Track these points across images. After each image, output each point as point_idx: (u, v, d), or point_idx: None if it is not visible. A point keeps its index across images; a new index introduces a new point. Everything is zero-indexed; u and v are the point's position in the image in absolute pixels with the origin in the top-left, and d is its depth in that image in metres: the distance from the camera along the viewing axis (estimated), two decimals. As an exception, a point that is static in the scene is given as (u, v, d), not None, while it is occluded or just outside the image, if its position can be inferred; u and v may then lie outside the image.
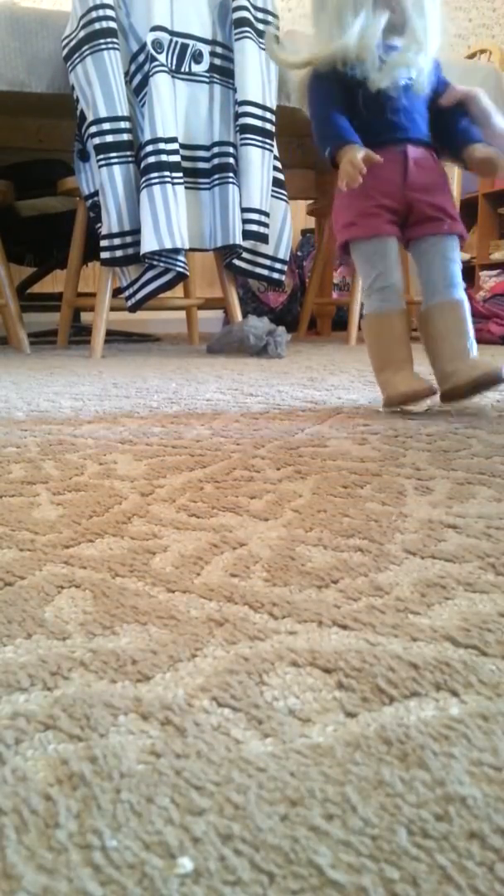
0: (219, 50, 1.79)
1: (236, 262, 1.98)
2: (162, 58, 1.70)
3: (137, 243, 1.77)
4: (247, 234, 1.88)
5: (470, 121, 0.93)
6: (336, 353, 2.01)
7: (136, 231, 1.77)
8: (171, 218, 1.73)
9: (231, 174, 1.83)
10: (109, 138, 1.73)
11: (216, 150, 1.82)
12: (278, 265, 2.01)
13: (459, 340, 0.89)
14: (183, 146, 1.78)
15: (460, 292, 0.90)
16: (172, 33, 1.71)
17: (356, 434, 0.80)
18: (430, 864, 0.20)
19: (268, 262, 2.00)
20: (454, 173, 3.00)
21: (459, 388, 0.88)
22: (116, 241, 1.79)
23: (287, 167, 1.96)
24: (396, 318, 0.90)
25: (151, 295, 1.87)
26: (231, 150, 1.83)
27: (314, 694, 0.28)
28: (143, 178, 1.72)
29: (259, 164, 1.86)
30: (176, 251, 1.77)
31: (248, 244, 1.90)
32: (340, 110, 0.89)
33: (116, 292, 1.98)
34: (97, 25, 1.67)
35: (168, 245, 1.73)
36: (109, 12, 1.67)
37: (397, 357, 0.90)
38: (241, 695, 0.28)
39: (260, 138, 1.84)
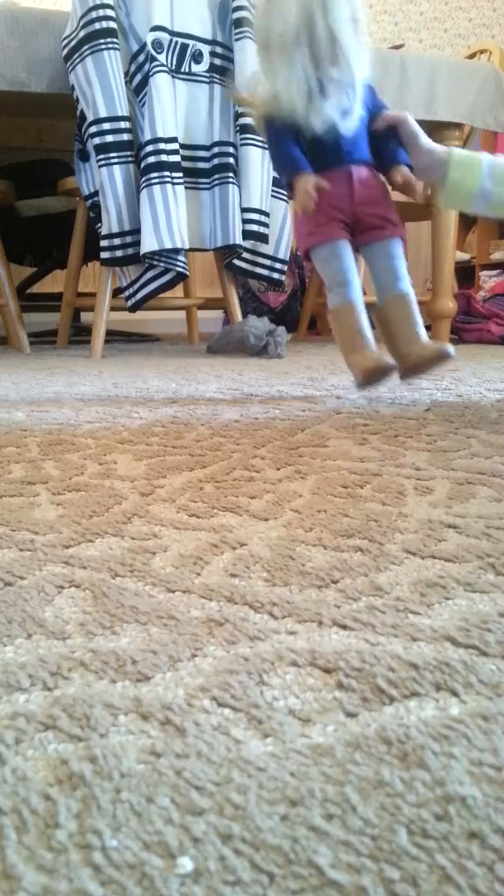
0: (219, 50, 1.79)
1: (236, 262, 1.98)
2: (162, 58, 1.70)
3: (137, 243, 1.77)
4: (247, 234, 1.88)
5: (399, 143, 1.05)
6: (336, 353, 2.01)
7: (136, 231, 1.77)
8: (171, 218, 1.73)
9: (231, 174, 1.83)
10: (109, 138, 1.73)
11: (216, 150, 1.82)
12: (278, 265, 2.01)
13: (411, 327, 1.02)
14: (183, 146, 1.77)
15: (407, 285, 1.04)
16: (172, 33, 1.71)
17: (356, 434, 0.80)
18: (430, 863, 0.20)
19: (268, 262, 2.00)
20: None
21: (415, 366, 1.02)
22: (116, 241, 1.79)
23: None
24: (355, 308, 1.02)
25: (151, 295, 1.87)
26: (231, 150, 1.83)
27: (314, 694, 0.28)
28: (143, 178, 1.72)
29: (259, 164, 1.86)
30: (176, 251, 1.77)
31: (248, 244, 1.90)
32: (292, 141, 1.02)
33: (116, 292, 1.98)
34: (97, 25, 1.66)
35: (168, 245, 1.73)
36: (109, 12, 1.67)
37: (359, 342, 1.02)
38: (241, 695, 0.28)
39: (260, 138, 1.84)
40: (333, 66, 0.98)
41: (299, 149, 1.02)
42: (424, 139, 1.04)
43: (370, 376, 1.01)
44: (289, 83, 0.98)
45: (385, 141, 1.05)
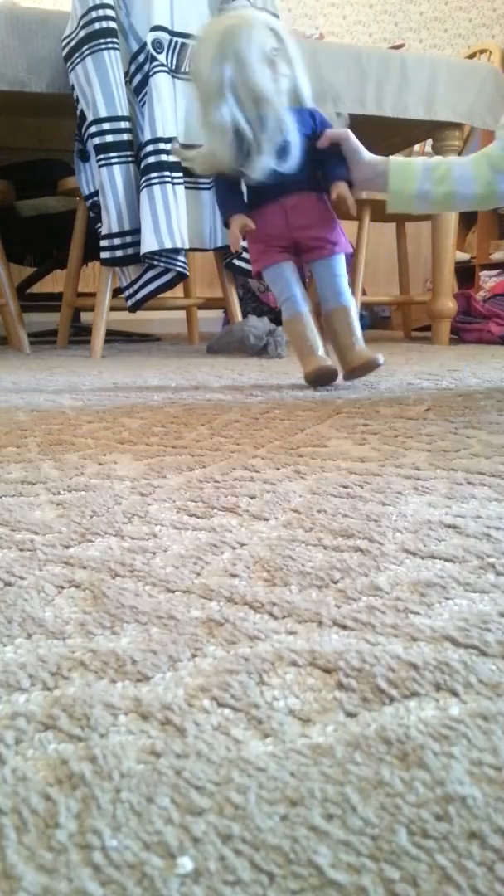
0: (219, 50, 1.79)
1: (236, 261, 1.98)
2: (162, 58, 1.70)
3: (137, 243, 1.77)
4: (247, 234, 1.88)
5: (340, 159, 1.14)
6: (334, 353, 2.01)
7: (136, 231, 1.77)
8: (171, 218, 1.73)
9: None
10: (109, 138, 1.73)
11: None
12: (278, 265, 2.00)
13: (348, 336, 1.19)
14: (183, 146, 1.77)
15: (345, 299, 1.19)
16: (172, 33, 1.71)
17: (356, 434, 0.80)
18: (430, 863, 0.20)
19: (268, 262, 2.00)
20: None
21: (351, 371, 1.19)
22: (116, 241, 1.79)
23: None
24: (301, 319, 1.20)
25: (151, 295, 1.87)
26: (231, 150, 1.83)
27: (314, 694, 0.28)
28: (143, 178, 1.72)
29: (259, 164, 1.86)
30: (176, 251, 1.77)
31: (248, 244, 1.90)
32: (231, 186, 1.18)
33: (116, 292, 1.98)
34: (97, 25, 1.67)
35: (168, 245, 1.73)
36: (109, 12, 1.67)
37: (306, 349, 1.19)
38: (241, 695, 0.28)
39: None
40: (260, 114, 1.06)
41: (238, 188, 1.18)
42: (365, 153, 1.14)
43: (314, 379, 1.17)
44: (222, 144, 1.08)
45: (326, 158, 1.15)
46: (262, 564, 0.41)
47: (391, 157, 1.13)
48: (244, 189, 1.20)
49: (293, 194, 1.15)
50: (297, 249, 1.19)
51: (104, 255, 1.81)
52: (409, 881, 0.19)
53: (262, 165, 1.09)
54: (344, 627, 0.33)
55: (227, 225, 1.19)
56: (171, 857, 0.20)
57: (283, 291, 1.20)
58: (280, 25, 1.11)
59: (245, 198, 1.19)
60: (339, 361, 1.21)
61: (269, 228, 1.17)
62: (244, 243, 1.37)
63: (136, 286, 1.88)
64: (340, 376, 1.21)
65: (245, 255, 1.96)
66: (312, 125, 1.15)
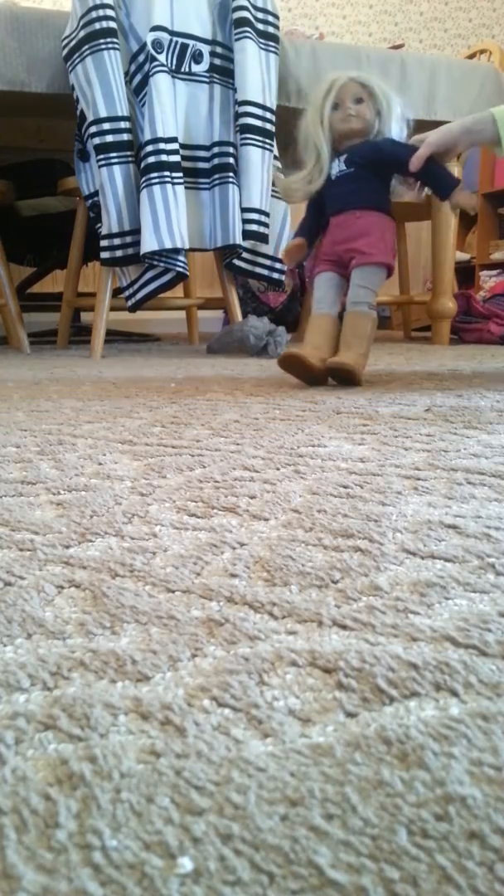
0: (219, 50, 1.79)
1: (236, 262, 1.98)
2: (162, 58, 1.70)
3: (137, 243, 1.77)
4: (247, 234, 1.88)
5: (441, 171, 1.25)
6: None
7: (136, 231, 1.77)
8: (171, 218, 1.73)
9: (231, 174, 1.83)
10: (109, 138, 1.73)
11: (216, 150, 1.82)
12: (278, 265, 2.01)
13: (345, 338, 1.26)
14: (183, 146, 1.77)
15: (363, 308, 1.27)
16: (172, 33, 1.71)
17: (356, 434, 0.80)
18: (429, 864, 0.20)
19: (268, 262, 2.00)
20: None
21: (329, 364, 1.22)
22: (116, 241, 1.79)
23: (287, 167, 1.96)
24: (317, 316, 1.31)
25: (151, 295, 1.87)
26: (231, 150, 1.83)
27: (314, 694, 0.28)
28: (143, 178, 1.72)
29: (259, 164, 1.86)
30: (176, 251, 1.77)
31: (248, 244, 1.90)
32: (314, 211, 1.36)
33: (116, 292, 1.98)
34: (97, 25, 1.66)
35: (168, 245, 1.73)
36: (109, 12, 1.67)
37: (306, 338, 1.30)
38: (241, 695, 0.28)
39: (260, 138, 1.84)
40: (316, 156, 1.30)
41: (319, 212, 1.35)
42: (447, 135, 1.20)
43: (281, 360, 1.26)
44: (302, 176, 1.32)
45: (430, 176, 1.25)
46: (262, 564, 0.41)
47: (494, 110, 1.16)
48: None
49: (340, 213, 1.30)
50: (345, 263, 1.30)
51: (104, 255, 1.81)
52: (409, 881, 0.19)
53: (315, 187, 1.32)
54: (344, 627, 0.33)
55: None
56: (171, 857, 0.20)
57: (317, 293, 1.33)
58: (371, 79, 1.29)
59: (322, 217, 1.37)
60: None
61: (323, 245, 1.35)
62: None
63: (136, 286, 1.88)
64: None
65: (245, 255, 1.96)
66: (375, 156, 1.28)
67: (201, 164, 1.84)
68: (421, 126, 2.14)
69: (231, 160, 1.82)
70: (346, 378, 1.22)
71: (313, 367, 1.22)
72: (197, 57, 1.76)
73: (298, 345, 1.32)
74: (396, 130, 1.30)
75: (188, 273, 1.86)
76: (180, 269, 1.81)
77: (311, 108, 1.30)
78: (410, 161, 1.22)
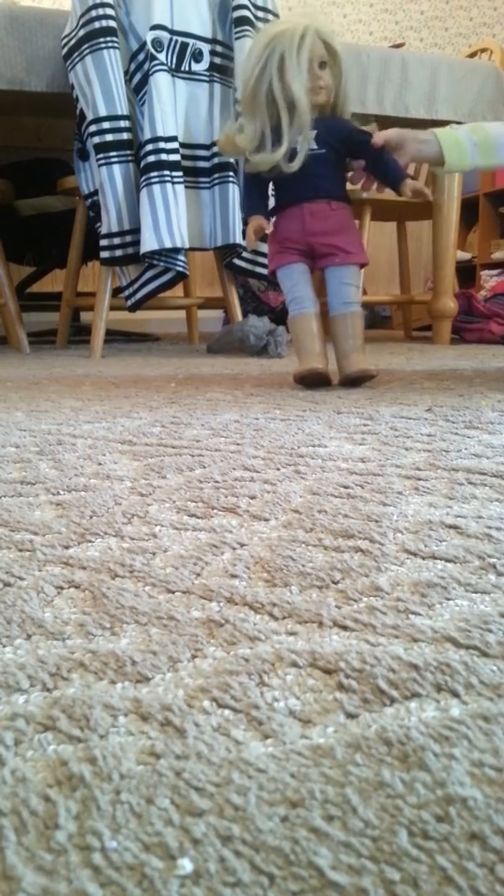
0: (219, 49, 1.79)
1: (236, 261, 1.98)
2: (162, 56, 1.70)
3: (137, 243, 1.77)
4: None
5: (391, 160, 1.16)
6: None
7: (135, 230, 1.77)
8: (171, 217, 1.72)
9: (231, 173, 1.83)
10: (109, 137, 1.72)
11: (216, 149, 1.82)
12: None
13: (347, 344, 1.22)
14: (183, 145, 1.77)
15: (350, 307, 1.21)
16: (172, 32, 1.71)
17: (356, 434, 0.80)
18: (430, 865, 0.20)
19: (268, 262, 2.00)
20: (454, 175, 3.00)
21: (344, 379, 1.22)
22: (116, 241, 1.79)
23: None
24: (305, 318, 1.22)
25: (151, 294, 1.87)
26: (231, 149, 1.83)
27: (315, 695, 0.28)
28: (143, 178, 1.72)
29: (259, 163, 1.85)
30: (176, 251, 1.77)
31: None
32: (259, 187, 1.23)
33: (116, 292, 1.98)
34: (97, 24, 1.66)
35: (168, 244, 1.73)
36: (109, 11, 1.67)
37: (305, 347, 1.22)
38: (241, 696, 0.28)
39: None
40: (290, 119, 1.12)
41: (265, 190, 1.24)
42: (400, 133, 1.15)
43: (300, 380, 1.21)
44: (250, 137, 1.15)
45: (379, 162, 1.17)
46: (262, 565, 0.41)
47: (436, 132, 1.15)
48: (272, 189, 1.25)
49: (314, 201, 1.19)
50: (313, 254, 1.22)
51: (104, 254, 1.81)
52: (410, 882, 0.19)
53: (270, 160, 1.15)
54: (344, 628, 0.33)
55: (245, 223, 1.26)
56: (171, 859, 0.20)
57: (292, 290, 1.23)
58: (334, 37, 1.14)
59: (273, 198, 1.25)
60: (338, 366, 1.23)
61: (287, 231, 1.22)
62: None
63: (135, 286, 1.88)
64: (337, 381, 1.24)
65: (245, 254, 1.96)
66: (344, 135, 1.18)
67: (201, 164, 1.84)
68: (421, 125, 2.14)
69: (231, 159, 1.82)
70: (364, 381, 1.21)
71: (330, 380, 1.21)
72: (197, 56, 1.76)
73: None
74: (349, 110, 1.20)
75: (188, 272, 1.86)
76: (180, 269, 1.81)
77: (279, 53, 1.09)
78: (374, 139, 1.13)
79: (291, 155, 1.14)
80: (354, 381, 1.21)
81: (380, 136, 1.14)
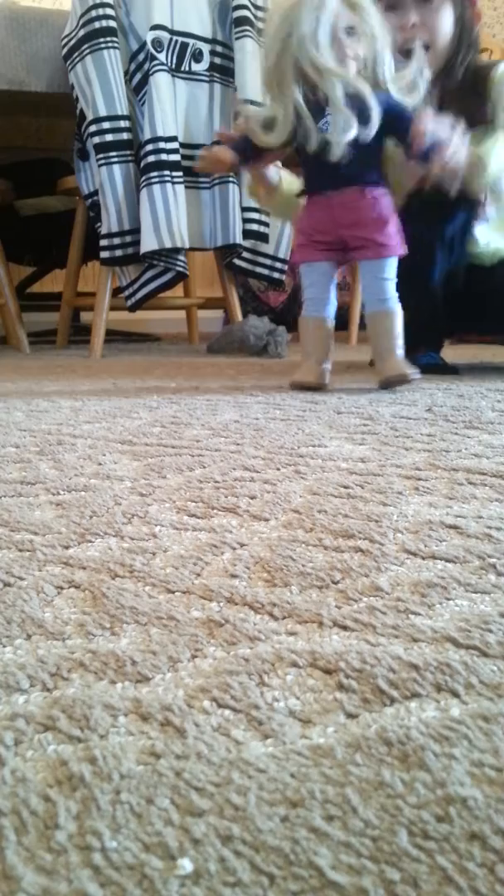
0: (219, 49, 1.79)
1: (236, 261, 1.98)
2: (162, 57, 1.70)
3: (137, 243, 1.77)
4: (247, 234, 1.88)
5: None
6: (336, 352, 2.01)
7: (135, 230, 1.77)
8: (171, 217, 1.73)
9: (231, 173, 1.83)
10: (109, 137, 1.73)
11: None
12: (279, 265, 2.01)
13: (385, 342, 1.14)
14: (183, 145, 1.77)
15: (388, 304, 1.13)
16: (172, 32, 1.71)
17: (356, 434, 0.80)
18: (430, 865, 0.20)
19: (268, 262, 2.00)
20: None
21: (382, 382, 1.16)
22: (116, 241, 1.79)
23: (286, 166, 1.96)
24: (314, 323, 1.18)
25: (151, 294, 1.87)
26: (231, 149, 1.83)
27: (315, 695, 0.28)
28: (143, 178, 1.72)
29: (259, 163, 1.85)
30: (176, 251, 1.77)
31: (248, 243, 1.90)
32: (250, 142, 1.12)
33: (116, 292, 1.98)
34: (97, 24, 1.66)
35: (168, 244, 1.73)
36: (109, 11, 1.67)
37: (306, 351, 1.20)
38: (241, 696, 0.28)
39: (260, 138, 1.84)
40: (318, 97, 1.02)
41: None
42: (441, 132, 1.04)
43: (297, 386, 1.19)
44: (282, 128, 1.05)
45: (427, 150, 1.03)
46: (262, 565, 0.41)
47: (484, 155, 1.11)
48: (304, 172, 1.16)
49: (344, 189, 1.08)
50: (345, 247, 1.13)
51: (104, 254, 1.81)
52: (410, 882, 0.19)
53: (328, 142, 1.03)
54: (345, 628, 0.33)
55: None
56: (171, 859, 0.20)
57: (309, 290, 1.17)
58: (368, 4, 0.99)
59: (305, 180, 1.16)
60: (376, 366, 1.18)
61: (315, 222, 1.13)
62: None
63: (135, 286, 1.88)
64: (378, 383, 1.17)
65: (246, 255, 1.96)
66: (388, 112, 1.03)
67: (201, 164, 1.84)
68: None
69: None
70: (399, 384, 1.15)
71: (326, 388, 1.17)
72: (197, 56, 1.76)
73: (298, 346, 1.29)
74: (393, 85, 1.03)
75: (188, 272, 1.86)
76: (180, 269, 1.81)
77: (298, 27, 0.96)
78: (418, 127, 1.00)
79: (326, 142, 1.03)
80: (391, 384, 1.15)
81: (426, 128, 1.00)
